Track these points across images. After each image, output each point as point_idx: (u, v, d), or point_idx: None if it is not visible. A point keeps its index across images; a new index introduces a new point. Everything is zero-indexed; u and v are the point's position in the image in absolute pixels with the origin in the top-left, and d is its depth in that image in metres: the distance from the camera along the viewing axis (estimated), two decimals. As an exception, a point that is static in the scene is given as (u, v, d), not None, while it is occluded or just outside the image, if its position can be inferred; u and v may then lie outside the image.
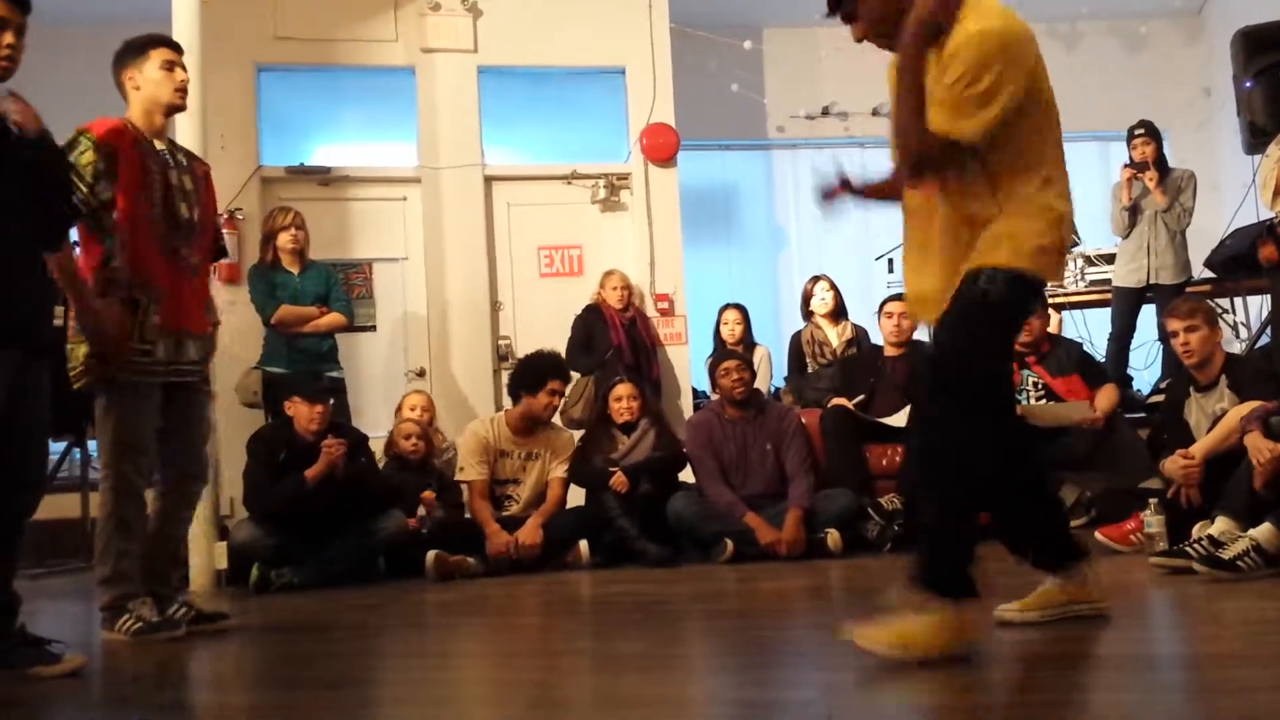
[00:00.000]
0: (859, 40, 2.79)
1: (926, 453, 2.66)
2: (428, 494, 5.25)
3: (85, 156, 3.34)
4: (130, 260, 3.41)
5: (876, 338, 6.17)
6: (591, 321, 6.61)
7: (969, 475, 2.59)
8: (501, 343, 7.22)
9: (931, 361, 2.73)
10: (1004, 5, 2.61)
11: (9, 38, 2.86)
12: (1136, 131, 6.64)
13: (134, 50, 3.57)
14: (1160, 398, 5.52)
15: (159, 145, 3.55)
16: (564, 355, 6.20)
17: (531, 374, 5.27)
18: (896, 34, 2.61)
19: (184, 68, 3.62)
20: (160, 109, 3.56)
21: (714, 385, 5.55)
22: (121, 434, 3.42)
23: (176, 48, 3.64)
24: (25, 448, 2.98)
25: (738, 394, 5.27)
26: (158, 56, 3.55)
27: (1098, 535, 4.35)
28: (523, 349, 6.89)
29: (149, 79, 3.54)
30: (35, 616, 2.98)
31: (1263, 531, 3.46)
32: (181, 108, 3.64)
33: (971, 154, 2.57)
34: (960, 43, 2.51)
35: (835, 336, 6.57)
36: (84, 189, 3.33)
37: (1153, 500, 4.22)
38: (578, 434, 5.63)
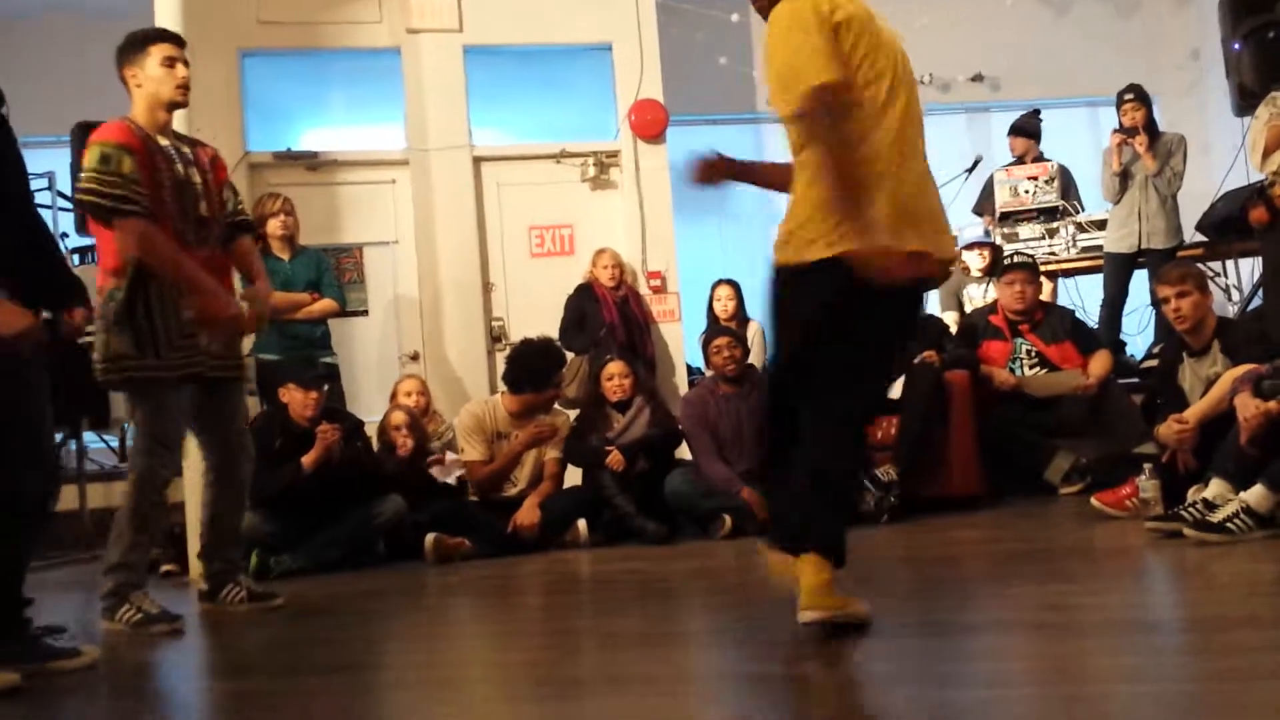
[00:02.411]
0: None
1: None
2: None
3: (129, 164, 3.37)
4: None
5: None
6: (584, 301, 6.60)
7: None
8: (494, 324, 7.21)
9: None
10: None
11: None
12: (1126, 96, 6.62)
13: (134, 46, 3.57)
14: (1154, 363, 5.54)
15: (164, 141, 3.56)
16: (557, 335, 6.21)
17: (535, 374, 5.26)
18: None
19: (186, 63, 3.61)
20: (162, 106, 3.57)
21: (707, 362, 5.55)
22: (152, 428, 3.47)
23: (178, 42, 3.63)
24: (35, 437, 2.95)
25: (730, 371, 5.27)
26: (158, 53, 3.55)
27: (1093, 501, 4.37)
28: (516, 330, 6.89)
29: (150, 76, 3.54)
30: (35, 608, 2.99)
31: (1254, 494, 3.48)
32: (183, 104, 3.64)
33: None
34: None
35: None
36: (141, 192, 3.37)
37: (1147, 465, 4.24)
38: (573, 414, 5.64)
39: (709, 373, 5.56)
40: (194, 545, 4.37)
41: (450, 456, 5.39)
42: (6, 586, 2.90)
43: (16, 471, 2.89)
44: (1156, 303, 5.68)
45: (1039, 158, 7.35)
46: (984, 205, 7.42)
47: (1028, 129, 7.43)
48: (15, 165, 3.00)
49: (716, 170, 2.94)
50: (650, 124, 7.37)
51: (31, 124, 3.15)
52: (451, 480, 5.33)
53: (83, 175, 3.42)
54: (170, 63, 3.55)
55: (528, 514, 5.03)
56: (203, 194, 3.59)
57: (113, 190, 3.36)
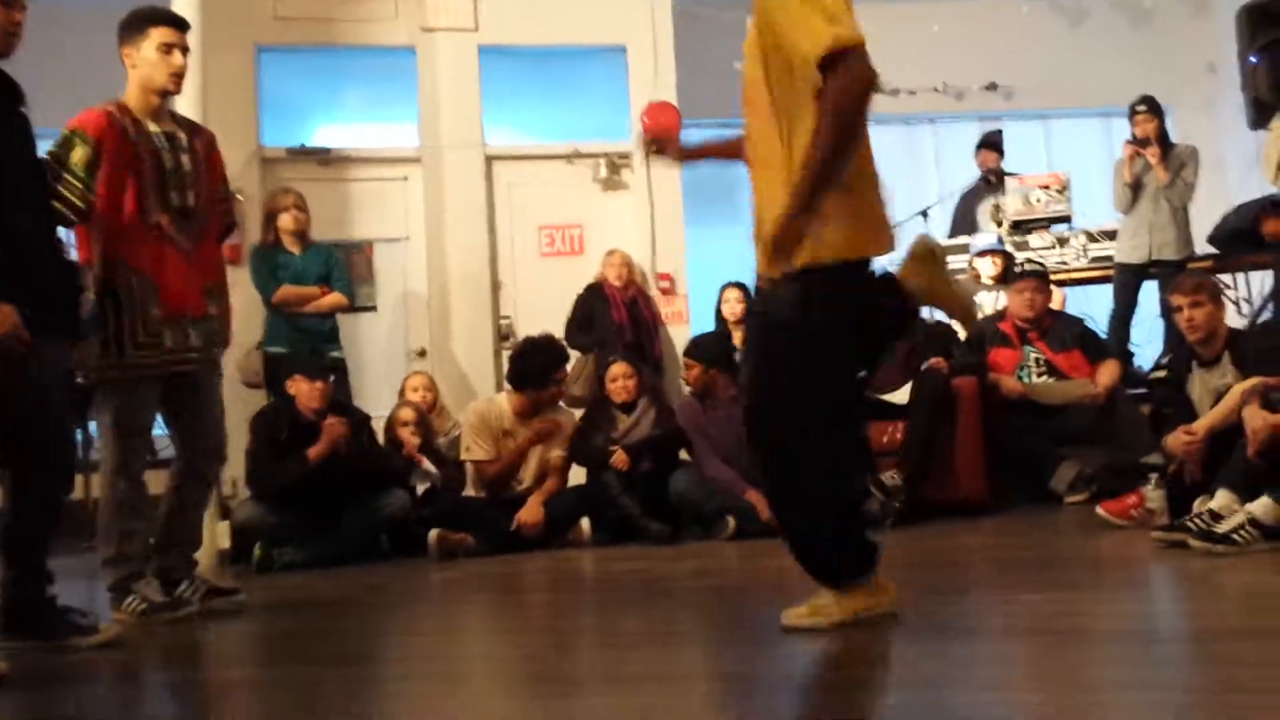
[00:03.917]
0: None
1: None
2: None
3: (78, 154, 3.28)
4: (112, 251, 3.36)
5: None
6: (592, 300, 6.61)
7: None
8: (502, 322, 7.22)
9: None
10: None
11: (17, 15, 2.85)
12: (1139, 108, 6.60)
13: (134, 26, 3.47)
14: (1162, 373, 5.51)
15: (153, 127, 3.47)
16: (563, 332, 6.21)
17: (535, 371, 5.25)
18: None
19: (184, 50, 3.51)
20: (154, 91, 3.47)
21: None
22: (120, 418, 3.42)
23: (179, 26, 3.51)
24: (45, 431, 2.98)
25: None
26: (157, 36, 3.44)
27: (1099, 510, 4.36)
28: (523, 329, 6.88)
29: (145, 59, 3.44)
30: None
31: (1260, 505, 3.47)
32: (174, 93, 3.54)
33: None
34: None
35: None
36: (79, 186, 3.28)
37: (1154, 475, 4.22)
38: (578, 413, 5.64)
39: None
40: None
41: (426, 465, 5.35)
42: (31, 576, 2.95)
43: (36, 472, 2.94)
44: (1166, 313, 5.66)
45: (1001, 173, 7.48)
46: (957, 227, 7.48)
47: (998, 143, 7.53)
48: (32, 169, 3.01)
49: (667, 149, 2.95)
50: (663, 125, 7.36)
51: (46, 116, 3.13)
52: (421, 488, 5.27)
53: (46, 152, 3.30)
54: (167, 49, 3.45)
55: (531, 512, 5.03)
56: (192, 183, 3.50)
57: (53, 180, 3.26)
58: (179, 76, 3.49)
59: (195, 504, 3.68)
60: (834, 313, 2.55)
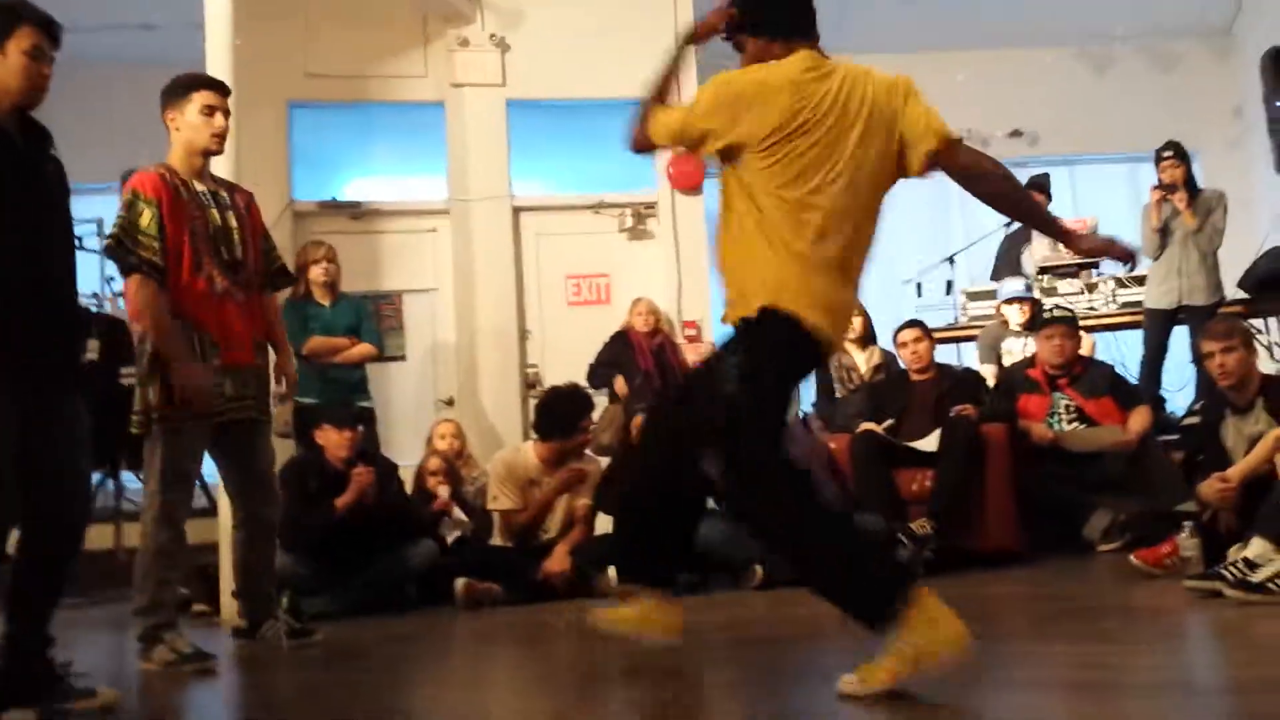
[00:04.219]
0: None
1: None
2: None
3: (146, 216, 3.45)
4: (180, 307, 3.51)
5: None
6: (619, 348, 6.63)
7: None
8: (529, 371, 7.26)
9: None
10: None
11: (45, 69, 2.93)
12: (1165, 154, 6.59)
13: (177, 90, 3.65)
14: (1194, 420, 5.46)
15: (199, 186, 3.63)
16: (585, 373, 6.24)
17: (561, 420, 5.25)
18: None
19: (226, 113, 3.68)
20: (197, 152, 3.64)
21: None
22: (169, 466, 3.50)
23: (221, 90, 3.69)
24: (55, 488, 2.92)
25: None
26: (199, 100, 3.62)
27: (1133, 559, 4.30)
28: (550, 378, 6.91)
29: (188, 122, 3.62)
30: (70, 648, 3.01)
31: (1297, 554, 3.41)
32: (217, 153, 3.71)
33: None
34: None
35: (863, 362, 6.55)
36: (155, 245, 3.45)
37: (1188, 523, 4.16)
38: (605, 460, 5.63)
39: None
40: (228, 585, 4.42)
41: (457, 513, 5.38)
42: (30, 629, 2.93)
43: (44, 530, 2.94)
44: (1197, 359, 5.61)
45: None
46: (1000, 269, 7.44)
47: (1045, 186, 7.49)
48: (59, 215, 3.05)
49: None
50: (688, 176, 7.45)
51: (81, 171, 3.22)
52: (451, 537, 5.30)
53: (115, 223, 3.51)
54: (210, 111, 3.62)
55: (559, 561, 5.01)
56: (239, 239, 3.66)
57: (124, 240, 3.45)
58: (221, 138, 3.67)
59: (263, 548, 3.83)
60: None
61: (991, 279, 7.45)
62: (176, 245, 3.50)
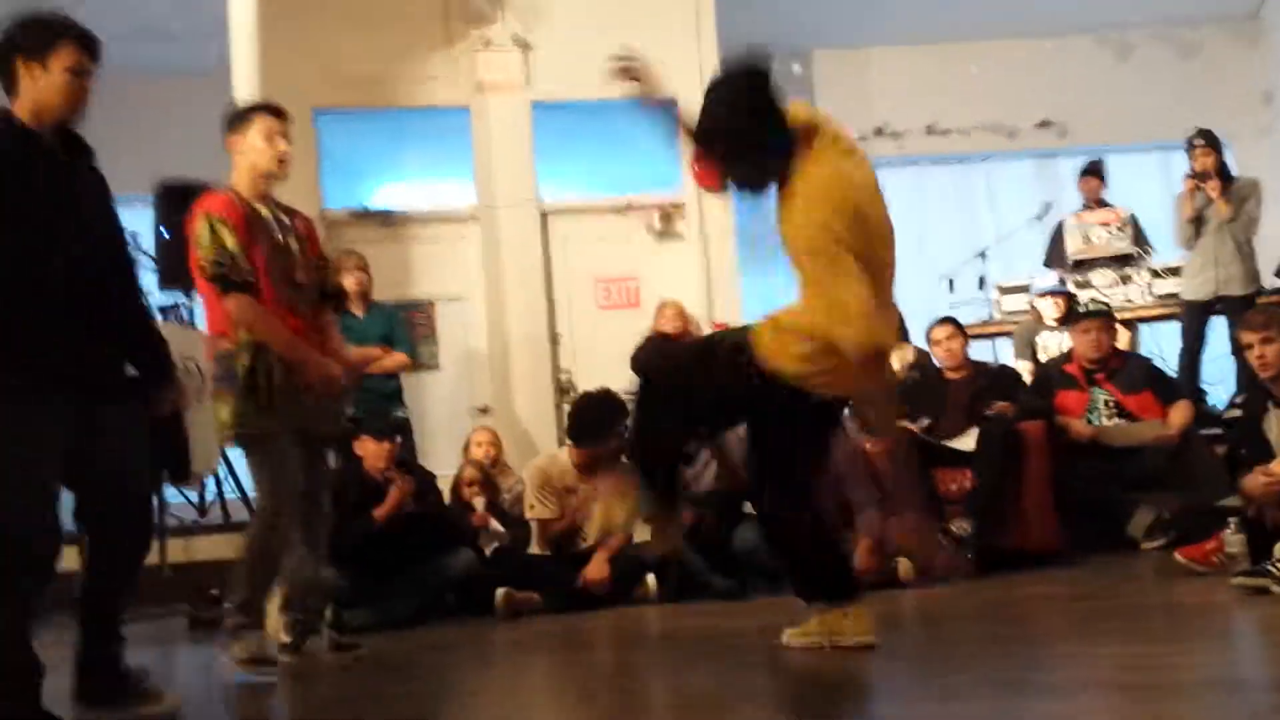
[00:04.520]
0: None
1: None
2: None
3: (228, 236, 3.53)
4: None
5: (940, 360, 6.10)
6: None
7: None
8: (562, 376, 7.25)
9: None
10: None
11: (86, 83, 2.96)
12: (1196, 141, 6.51)
13: (240, 117, 3.75)
14: (1237, 413, 5.39)
15: (264, 210, 3.70)
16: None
17: (593, 425, 5.22)
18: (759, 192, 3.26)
19: (287, 138, 3.76)
20: (261, 176, 3.71)
21: None
22: (279, 484, 3.61)
23: (280, 115, 3.77)
24: (115, 494, 2.97)
25: None
26: (261, 124, 3.70)
27: (1177, 556, 4.25)
28: (583, 382, 6.92)
29: (251, 146, 3.70)
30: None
31: (1346, 549, 3.36)
32: (281, 177, 3.77)
33: None
34: None
35: (897, 360, 6.50)
36: (244, 265, 3.54)
37: (1233, 519, 4.11)
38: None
39: None
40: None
41: (494, 525, 5.39)
42: (100, 634, 2.98)
43: (113, 536, 2.99)
44: (1237, 350, 5.55)
45: (1102, 201, 7.28)
46: (1053, 256, 7.34)
47: (1100, 171, 7.37)
48: (104, 224, 3.09)
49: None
50: (714, 175, 7.41)
51: (115, 183, 3.27)
52: (489, 548, 5.31)
53: (199, 245, 3.56)
54: (270, 136, 3.70)
55: (597, 569, 5.01)
56: (300, 261, 3.74)
57: (221, 261, 3.53)
58: (284, 162, 3.74)
59: (311, 562, 3.85)
60: None
61: (1045, 265, 7.35)
62: (253, 266, 3.60)
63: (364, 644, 3.97)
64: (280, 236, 3.69)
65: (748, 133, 3.11)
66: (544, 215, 7.41)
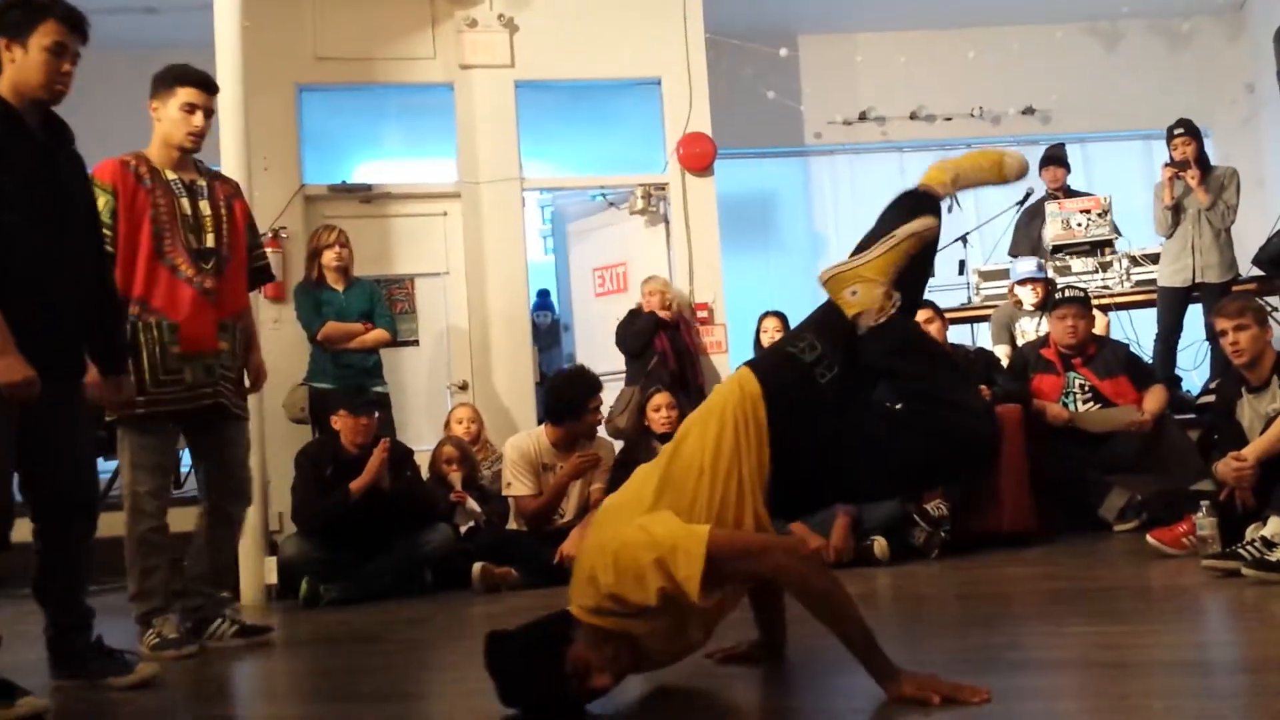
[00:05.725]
0: None
1: None
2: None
3: (102, 201, 3.41)
4: (140, 292, 3.50)
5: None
6: (634, 324, 6.69)
7: None
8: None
9: None
10: None
11: (66, 65, 2.92)
12: (1176, 131, 6.55)
13: (164, 81, 3.63)
14: (1210, 398, 5.44)
15: (170, 175, 3.60)
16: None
17: (569, 403, 5.18)
18: None
19: (208, 111, 3.64)
20: (173, 146, 3.62)
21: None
22: (135, 458, 3.51)
23: (206, 88, 3.65)
24: (73, 470, 3.00)
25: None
26: (182, 96, 3.59)
27: (1149, 538, 4.29)
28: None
29: (168, 115, 3.60)
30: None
31: (1316, 532, 3.41)
32: (191, 150, 3.66)
33: None
34: None
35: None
36: (109, 233, 3.43)
37: (1204, 502, 4.15)
38: (619, 444, 5.64)
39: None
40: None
41: (471, 504, 5.39)
42: (65, 615, 2.99)
43: (60, 513, 2.97)
44: (1212, 337, 5.59)
45: (1069, 189, 7.31)
46: (1018, 246, 7.38)
47: (1062, 157, 7.40)
48: (81, 206, 3.07)
49: None
50: (698, 157, 7.43)
51: (99, 155, 3.25)
52: (465, 526, 5.31)
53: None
54: (190, 109, 3.59)
55: (574, 545, 5.02)
56: (212, 226, 3.63)
57: (112, 227, 3.44)
58: (197, 136, 3.63)
59: (221, 545, 3.78)
60: None
61: (1010, 254, 7.40)
62: (134, 232, 3.49)
63: (273, 629, 3.86)
64: (187, 202, 3.59)
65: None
66: (526, 193, 7.40)
